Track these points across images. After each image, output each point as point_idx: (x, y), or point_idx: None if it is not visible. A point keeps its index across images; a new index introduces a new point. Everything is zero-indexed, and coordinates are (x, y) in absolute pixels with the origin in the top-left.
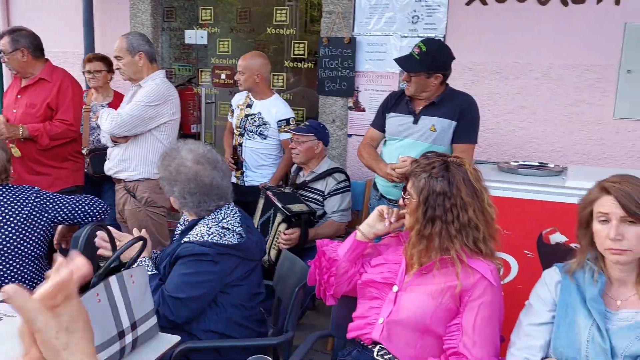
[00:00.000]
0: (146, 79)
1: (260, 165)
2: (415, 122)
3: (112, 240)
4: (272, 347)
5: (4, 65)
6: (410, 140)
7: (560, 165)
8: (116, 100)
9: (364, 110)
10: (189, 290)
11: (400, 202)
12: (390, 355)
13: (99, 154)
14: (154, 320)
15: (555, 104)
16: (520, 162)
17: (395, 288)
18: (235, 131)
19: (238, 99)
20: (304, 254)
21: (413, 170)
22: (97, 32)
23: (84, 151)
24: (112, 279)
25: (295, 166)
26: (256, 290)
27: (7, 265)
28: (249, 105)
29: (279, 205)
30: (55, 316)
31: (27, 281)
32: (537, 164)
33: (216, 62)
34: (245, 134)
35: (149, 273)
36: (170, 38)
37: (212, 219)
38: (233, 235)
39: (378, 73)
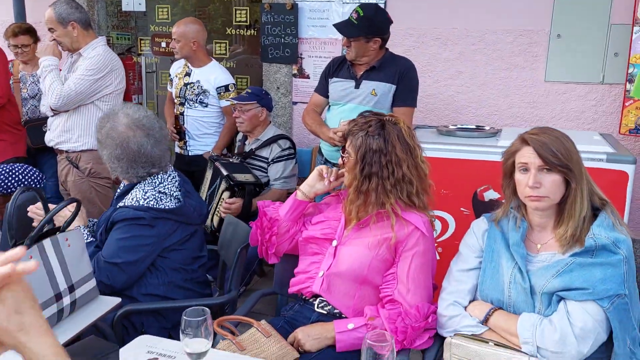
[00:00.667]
0: (86, 48)
1: (202, 134)
2: (357, 86)
3: (45, 203)
4: (216, 307)
5: None
6: (353, 104)
7: (495, 127)
8: None
9: (308, 77)
10: (126, 254)
11: (339, 160)
12: (330, 306)
13: (35, 125)
14: (92, 283)
15: (490, 69)
16: (459, 126)
17: (334, 242)
18: (175, 100)
19: (176, 68)
20: (248, 222)
21: (351, 130)
22: None
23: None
24: (47, 242)
25: (240, 135)
26: (197, 254)
27: None
28: (188, 74)
29: (224, 173)
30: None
31: None
32: (473, 127)
33: (156, 29)
34: (186, 103)
35: (86, 240)
36: (107, 5)
37: (148, 183)
38: (170, 199)
39: (321, 40)
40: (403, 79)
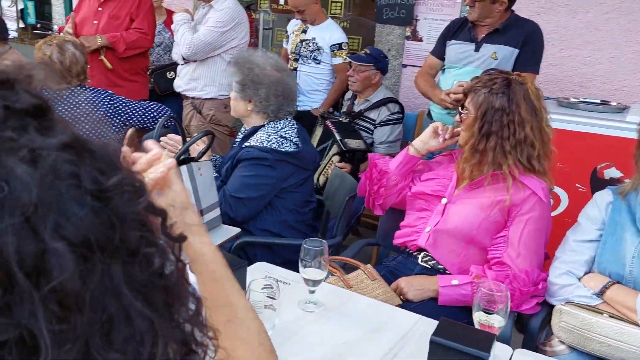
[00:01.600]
0: (216, 0)
1: (313, 90)
2: (477, 49)
3: (183, 134)
4: None
5: None
6: (470, 68)
7: (623, 103)
8: (169, 19)
9: (421, 40)
10: (248, 191)
11: (457, 118)
12: (434, 261)
13: (161, 72)
14: (217, 212)
15: (624, 40)
16: (581, 99)
17: (444, 200)
18: (290, 56)
19: (293, 25)
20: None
21: (473, 86)
22: None
23: None
24: (183, 169)
25: (349, 93)
26: (308, 198)
27: None
28: (304, 31)
29: (337, 137)
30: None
31: None
32: (598, 101)
33: None
34: (300, 59)
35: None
36: None
37: (271, 127)
38: (290, 143)
39: (439, 1)
40: (527, 43)
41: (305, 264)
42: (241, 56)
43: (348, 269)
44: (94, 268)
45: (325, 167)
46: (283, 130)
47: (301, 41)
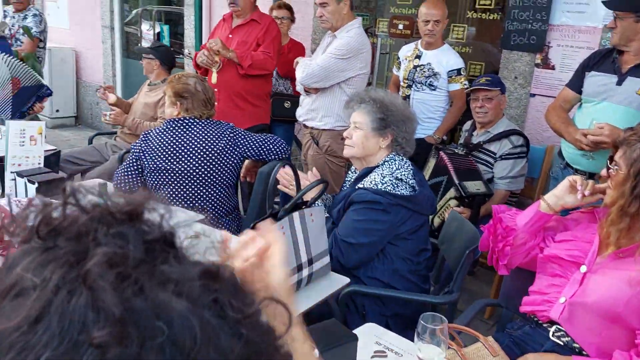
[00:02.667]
0: (341, 30)
1: (427, 118)
2: (620, 82)
3: (297, 178)
4: (432, 305)
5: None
6: (609, 103)
7: None
8: (290, 46)
9: (553, 68)
10: (360, 236)
11: (603, 172)
12: (569, 338)
13: (279, 99)
14: (327, 259)
15: None
16: None
17: (583, 268)
18: (402, 83)
19: (406, 51)
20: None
21: (627, 138)
22: None
23: None
24: (295, 215)
25: (468, 124)
26: (423, 246)
27: (203, 189)
28: (418, 57)
29: (455, 180)
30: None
31: (217, 204)
32: None
33: (395, 11)
34: (414, 86)
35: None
36: None
37: (386, 167)
38: (406, 186)
39: (576, 27)
40: None
41: (421, 340)
42: (375, 94)
43: (465, 335)
44: None
45: (441, 209)
46: (398, 171)
47: (415, 67)
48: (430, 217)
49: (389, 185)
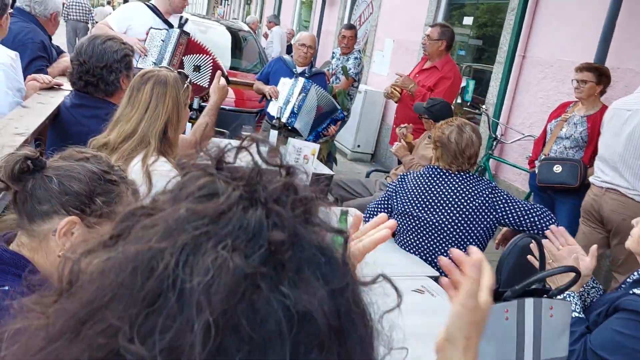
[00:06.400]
0: None
1: None
2: None
3: (542, 253)
4: None
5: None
6: None
7: None
8: (599, 115)
9: None
10: (613, 353)
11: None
12: None
13: (550, 163)
14: None
15: None
16: None
17: None
18: None
19: None
20: None
21: None
22: (615, 43)
23: (540, 159)
24: (528, 302)
25: None
26: None
27: (444, 247)
28: None
29: None
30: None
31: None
32: None
33: None
34: None
35: (576, 315)
36: None
37: None
38: None
39: None
40: None
41: None
42: None
43: None
44: None
45: None
46: None
47: None
48: None
49: None
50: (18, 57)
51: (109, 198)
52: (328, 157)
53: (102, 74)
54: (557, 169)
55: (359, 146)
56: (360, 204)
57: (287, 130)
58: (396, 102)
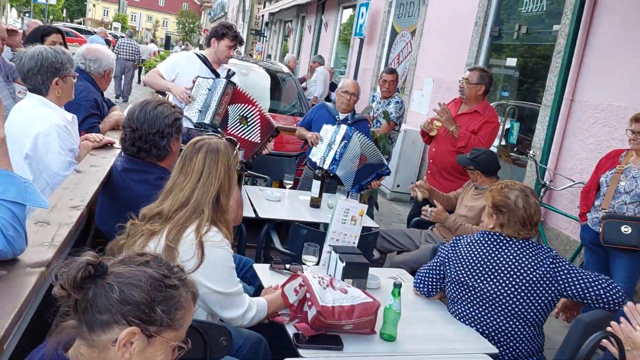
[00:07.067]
0: None
1: None
2: None
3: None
4: None
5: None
6: None
7: None
8: None
9: None
10: None
11: None
12: None
13: (616, 222)
14: None
15: None
16: None
17: None
18: None
19: None
20: None
21: None
22: None
23: (600, 215)
24: None
25: None
26: None
27: (504, 319)
28: None
29: None
30: None
31: (518, 341)
32: None
33: None
34: None
35: None
36: None
37: None
38: None
39: None
40: None
41: None
42: None
43: None
44: None
45: None
46: None
47: None
48: None
49: None
50: (75, 120)
51: (168, 306)
52: (369, 202)
53: (154, 140)
54: (626, 229)
55: (398, 186)
56: (407, 260)
57: (330, 178)
58: (432, 136)
